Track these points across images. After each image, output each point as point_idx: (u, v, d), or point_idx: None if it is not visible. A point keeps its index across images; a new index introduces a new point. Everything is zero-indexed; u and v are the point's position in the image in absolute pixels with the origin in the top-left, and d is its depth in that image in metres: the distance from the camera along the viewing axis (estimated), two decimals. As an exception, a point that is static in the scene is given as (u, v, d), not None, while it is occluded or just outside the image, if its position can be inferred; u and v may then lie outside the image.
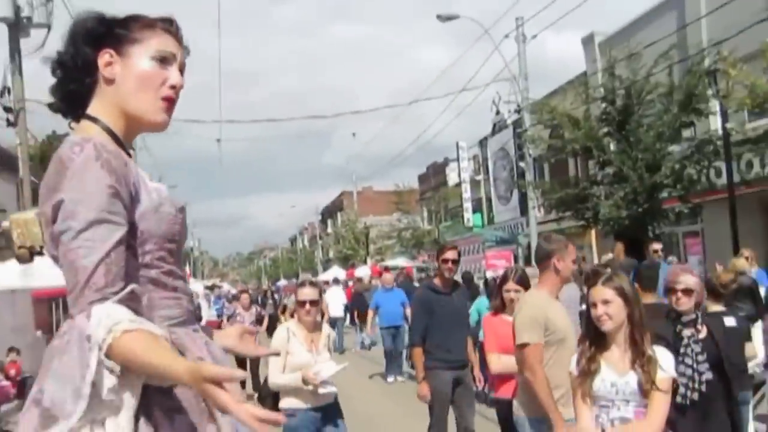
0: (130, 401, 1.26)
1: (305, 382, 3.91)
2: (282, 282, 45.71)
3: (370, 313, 11.47)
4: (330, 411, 4.10)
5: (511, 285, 4.30)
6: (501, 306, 4.42)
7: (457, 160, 28.04)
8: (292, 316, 9.95)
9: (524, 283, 4.25)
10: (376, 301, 11.36)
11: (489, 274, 14.50)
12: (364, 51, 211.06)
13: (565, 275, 3.44)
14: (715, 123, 12.15)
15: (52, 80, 1.48)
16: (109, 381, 1.22)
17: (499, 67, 22.12)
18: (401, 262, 26.77)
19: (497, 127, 24.25)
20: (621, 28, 17.17)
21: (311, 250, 60.13)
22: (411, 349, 5.23)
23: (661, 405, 2.62)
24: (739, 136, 10.42)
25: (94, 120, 1.43)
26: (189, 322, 1.46)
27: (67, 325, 1.30)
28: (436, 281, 5.29)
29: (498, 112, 23.60)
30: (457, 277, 10.13)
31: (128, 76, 1.43)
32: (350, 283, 21.93)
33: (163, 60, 1.46)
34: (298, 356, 4.01)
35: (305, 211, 61.20)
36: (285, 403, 4.03)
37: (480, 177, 26.84)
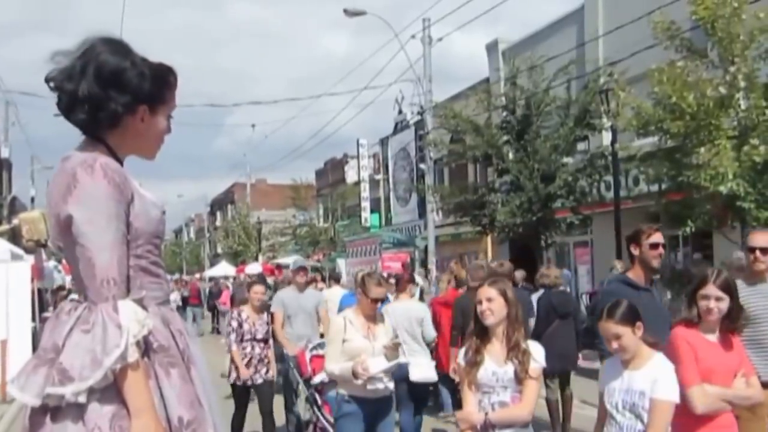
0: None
1: (354, 374, 3.94)
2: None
3: None
4: (384, 405, 4.17)
5: (712, 290, 3.13)
6: (697, 318, 3.24)
7: (357, 157, 27.78)
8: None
9: (729, 290, 3.19)
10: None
11: (385, 275, 14.22)
12: (265, 33, 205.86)
13: None
14: (608, 138, 12.67)
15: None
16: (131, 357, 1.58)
17: (404, 65, 22.04)
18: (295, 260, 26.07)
19: (399, 127, 24.25)
20: (524, 38, 17.57)
21: (198, 244, 57.49)
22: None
23: (533, 390, 3.06)
24: (628, 152, 10.89)
25: (102, 141, 1.73)
26: (167, 302, 1.83)
27: (85, 309, 1.61)
28: (632, 274, 3.79)
29: (401, 112, 23.59)
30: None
31: (150, 131, 1.79)
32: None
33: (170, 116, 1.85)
34: (355, 342, 4.11)
35: (193, 201, 58.50)
36: (342, 389, 4.13)
37: (380, 176, 26.74)
